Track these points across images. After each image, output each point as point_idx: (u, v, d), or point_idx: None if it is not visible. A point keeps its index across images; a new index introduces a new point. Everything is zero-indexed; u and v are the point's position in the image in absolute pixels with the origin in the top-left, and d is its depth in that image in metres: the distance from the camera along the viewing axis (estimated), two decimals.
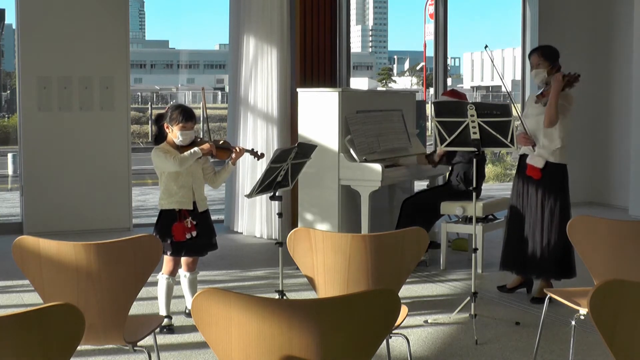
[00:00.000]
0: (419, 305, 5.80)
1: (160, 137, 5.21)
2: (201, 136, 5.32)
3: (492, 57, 6.81)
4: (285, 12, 8.43)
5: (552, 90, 5.62)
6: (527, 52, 10.66)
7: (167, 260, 5.13)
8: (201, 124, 5.39)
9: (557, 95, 5.60)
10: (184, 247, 5.11)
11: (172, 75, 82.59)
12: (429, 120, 13.54)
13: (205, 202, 5.25)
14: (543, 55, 5.82)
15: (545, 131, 5.70)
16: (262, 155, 5.42)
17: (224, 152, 5.23)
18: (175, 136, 5.10)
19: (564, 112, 5.72)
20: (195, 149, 5.08)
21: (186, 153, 5.06)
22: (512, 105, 5.49)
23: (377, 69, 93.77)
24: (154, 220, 5.33)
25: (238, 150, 5.22)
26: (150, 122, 30.71)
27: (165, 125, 5.13)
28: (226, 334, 2.51)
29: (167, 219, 5.12)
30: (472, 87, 73.46)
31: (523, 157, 5.88)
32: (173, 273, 5.18)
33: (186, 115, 5.08)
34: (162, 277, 5.17)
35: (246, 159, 8.26)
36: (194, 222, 5.12)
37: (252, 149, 5.49)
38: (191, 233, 5.11)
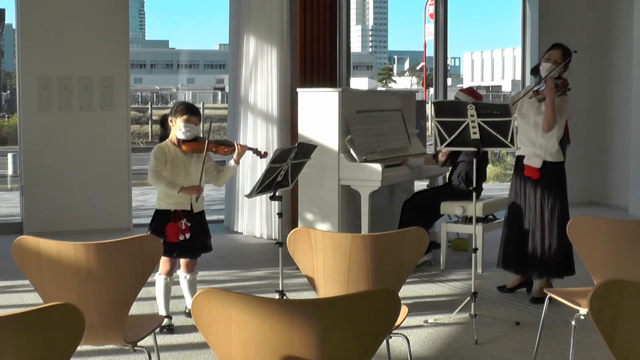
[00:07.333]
0: (419, 306, 5.80)
1: (164, 137, 5.22)
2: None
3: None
4: (285, 12, 8.43)
5: (547, 100, 5.65)
6: (527, 52, 10.74)
7: (163, 261, 5.11)
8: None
9: (553, 102, 5.63)
10: (176, 248, 5.10)
11: (172, 75, 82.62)
12: (429, 120, 13.56)
13: (202, 202, 5.24)
14: (564, 54, 5.82)
15: (542, 133, 5.73)
16: (265, 154, 5.42)
17: (226, 148, 5.19)
18: (178, 128, 5.09)
19: (561, 113, 5.74)
20: (177, 189, 5.01)
21: (166, 183, 5.02)
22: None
23: (377, 69, 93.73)
24: None
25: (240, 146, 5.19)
26: (150, 122, 30.71)
27: (170, 119, 5.14)
28: (226, 334, 2.51)
29: (161, 219, 5.11)
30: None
31: (521, 157, 5.89)
32: (170, 273, 5.17)
33: (190, 108, 5.15)
34: (159, 278, 5.16)
35: (246, 159, 8.26)
36: (189, 224, 5.11)
37: (256, 149, 5.43)
38: (185, 235, 5.09)
